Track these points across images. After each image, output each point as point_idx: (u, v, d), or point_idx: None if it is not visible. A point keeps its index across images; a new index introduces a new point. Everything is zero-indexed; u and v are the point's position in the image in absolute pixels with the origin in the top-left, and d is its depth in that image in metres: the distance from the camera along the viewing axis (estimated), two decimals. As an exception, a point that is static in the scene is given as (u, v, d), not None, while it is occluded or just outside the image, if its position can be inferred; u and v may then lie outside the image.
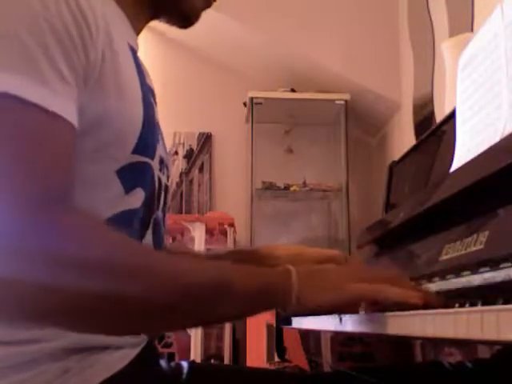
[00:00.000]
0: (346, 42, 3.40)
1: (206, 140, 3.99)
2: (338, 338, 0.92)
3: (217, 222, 3.37)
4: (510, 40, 0.86)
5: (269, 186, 3.63)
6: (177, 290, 0.61)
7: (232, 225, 3.40)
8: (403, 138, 3.27)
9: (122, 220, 0.72)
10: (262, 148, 3.61)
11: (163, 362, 0.83)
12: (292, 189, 3.66)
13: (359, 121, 3.80)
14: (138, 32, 0.85)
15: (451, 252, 0.80)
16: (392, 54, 3.41)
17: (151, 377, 0.77)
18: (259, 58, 3.75)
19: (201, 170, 3.98)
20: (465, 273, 0.71)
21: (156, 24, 0.91)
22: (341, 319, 0.76)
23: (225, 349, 3.35)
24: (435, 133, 1.32)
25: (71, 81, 0.62)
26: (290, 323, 1.15)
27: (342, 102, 3.55)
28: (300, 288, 0.67)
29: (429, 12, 2.88)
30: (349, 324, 0.75)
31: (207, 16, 0.90)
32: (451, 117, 1.14)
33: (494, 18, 0.92)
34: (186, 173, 3.98)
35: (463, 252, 0.76)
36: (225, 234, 3.43)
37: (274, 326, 1.24)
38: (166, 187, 0.84)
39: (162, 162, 0.81)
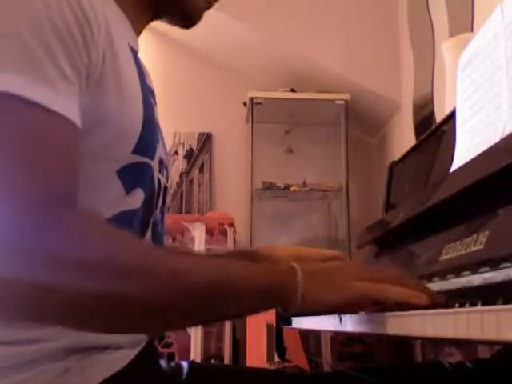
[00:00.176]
0: (346, 42, 3.40)
1: (206, 140, 3.99)
2: (338, 337, 0.92)
3: (217, 222, 3.37)
4: (510, 40, 0.86)
5: (269, 186, 3.63)
6: (177, 289, 0.61)
7: (232, 225, 3.40)
8: (403, 138, 3.27)
9: (122, 220, 0.72)
10: (261, 148, 3.61)
11: (163, 362, 0.83)
12: (292, 189, 3.66)
13: (359, 121, 3.80)
14: (138, 33, 0.85)
15: (451, 252, 0.80)
16: (392, 54, 3.41)
17: (151, 377, 0.77)
18: (259, 58, 3.75)
19: (201, 169, 3.98)
20: (465, 273, 0.71)
21: (156, 24, 0.91)
22: (341, 319, 0.76)
23: (225, 349, 3.35)
24: (435, 133, 1.32)
25: (74, 80, 0.62)
26: (290, 323, 1.15)
27: (342, 102, 3.55)
28: (305, 286, 0.66)
29: (429, 12, 2.88)
30: (349, 324, 0.75)
31: (208, 16, 0.90)
32: (451, 117, 1.14)
33: (494, 17, 0.92)
34: (186, 173, 3.98)
35: (463, 252, 0.76)
36: (225, 234, 3.43)
37: (274, 326, 1.24)
38: (166, 188, 0.84)
39: (161, 163, 0.81)
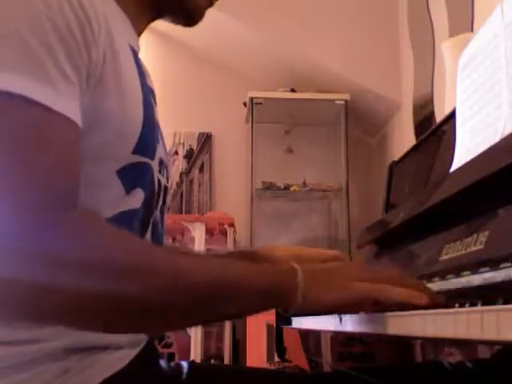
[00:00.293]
0: (346, 42, 3.40)
1: (206, 140, 4.00)
2: (338, 337, 0.92)
3: (217, 222, 3.37)
4: (510, 40, 0.86)
5: (269, 186, 3.63)
6: (177, 289, 0.61)
7: (232, 225, 3.40)
8: (403, 138, 3.27)
9: (122, 220, 0.72)
10: (261, 148, 3.61)
11: (163, 362, 0.83)
12: (292, 189, 3.66)
13: (359, 121, 3.80)
14: (139, 33, 0.85)
15: (451, 252, 0.80)
16: (392, 54, 3.41)
17: (151, 377, 0.77)
18: (259, 58, 3.75)
19: (201, 169, 3.98)
20: (465, 273, 0.71)
21: (156, 24, 0.91)
22: (341, 319, 0.76)
23: (225, 349, 3.35)
24: (435, 133, 1.32)
25: (74, 80, 0.62)
26: (290, 323, 1.15)
27: (342, 102, 3.56)
28: (305, 286, 0.66)
29: (429, 12, 2.88)
30: (349, 324, 0.75)
31: (208, 15, 0.90)
32: (451, 117, 1.14)
33: (494, 17, 0.92)
34: (186, 173, 3.98)
35: (463, 252, 0.76)
36: (225, 234, 3.43)
37: (274, 326, 1.24)
38: (166, 188, 0.84)
39: (161, 163, 0.81)
